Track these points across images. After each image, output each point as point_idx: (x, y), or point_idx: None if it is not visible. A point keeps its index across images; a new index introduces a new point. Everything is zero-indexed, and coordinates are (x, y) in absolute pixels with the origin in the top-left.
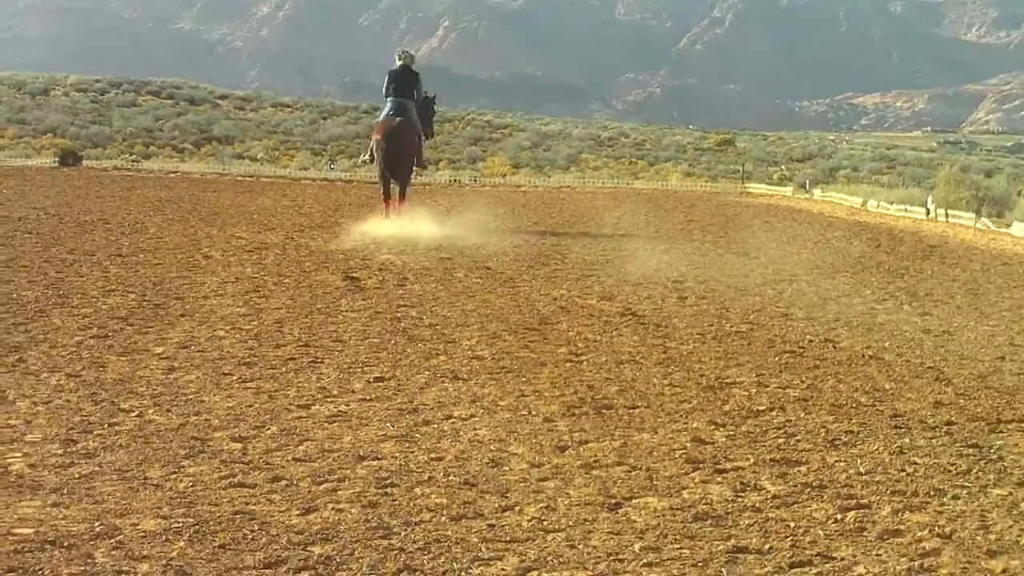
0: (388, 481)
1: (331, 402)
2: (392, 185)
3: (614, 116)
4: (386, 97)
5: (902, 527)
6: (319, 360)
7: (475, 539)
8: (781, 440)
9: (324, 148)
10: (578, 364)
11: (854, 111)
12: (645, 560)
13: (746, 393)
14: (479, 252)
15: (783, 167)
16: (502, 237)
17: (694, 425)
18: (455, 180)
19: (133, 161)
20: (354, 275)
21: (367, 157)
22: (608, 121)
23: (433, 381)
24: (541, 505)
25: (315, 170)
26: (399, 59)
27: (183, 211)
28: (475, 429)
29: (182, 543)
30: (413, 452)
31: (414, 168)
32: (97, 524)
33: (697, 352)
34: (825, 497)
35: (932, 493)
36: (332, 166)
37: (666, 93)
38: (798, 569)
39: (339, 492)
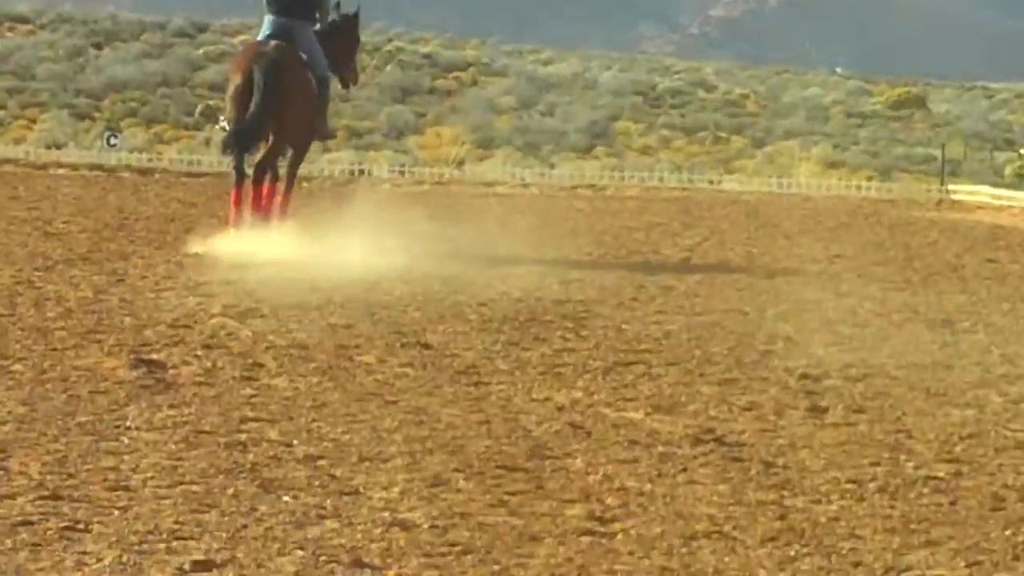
0: None
1: None
2: (251, 165)
3: (683, 48)
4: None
5: None
6: (81, 526)
7: None
8: None
9: (96, 107)
10: (607, 539)
11: None
12: None
13: None
14: (407, 311)
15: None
16: (455, 282)
17: None
18: (361, 171)
19: None
20: (153, 357)
21: (224, 122)
22: (671, 58)
23: (311, 570)
24: None
25: (78, 148)
26: None
27: None
28: None
29: None
30: None
31: (307, 138)
32: None
33: (847, 518)
34: None
35: None
36: (113, 140)
37: (789, 2)
38: None
39: None
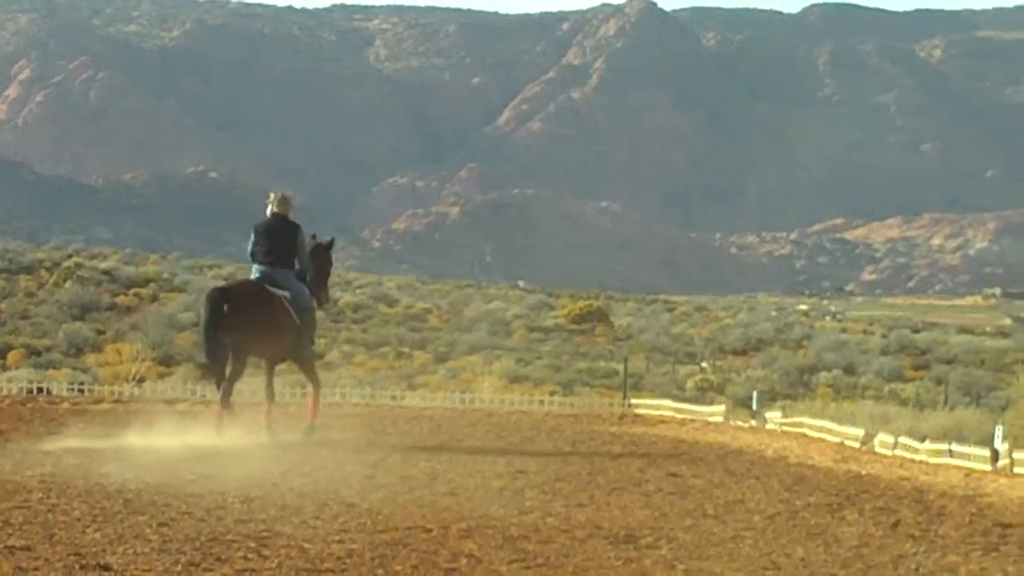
0: None
1: None
2: (234, 375)
3: (365, 261)
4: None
5: None
6: None
7: None
8: None
9: None
10: None
11: (849, 254)
12: None
13: None
14: (87, 532)
15: (706, 365)
16: (136, 501)
17: None
18: (39, 389)
19: None
20: None
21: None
22: (353, 272)
23: None
24: None
25: None
26: (270, 204)
27: None
28: None
29: None
30: None
31: (295, 356)
32: None
33: None
34: None
35: None
36: None
37: (471, 215)
38: None
39: None
